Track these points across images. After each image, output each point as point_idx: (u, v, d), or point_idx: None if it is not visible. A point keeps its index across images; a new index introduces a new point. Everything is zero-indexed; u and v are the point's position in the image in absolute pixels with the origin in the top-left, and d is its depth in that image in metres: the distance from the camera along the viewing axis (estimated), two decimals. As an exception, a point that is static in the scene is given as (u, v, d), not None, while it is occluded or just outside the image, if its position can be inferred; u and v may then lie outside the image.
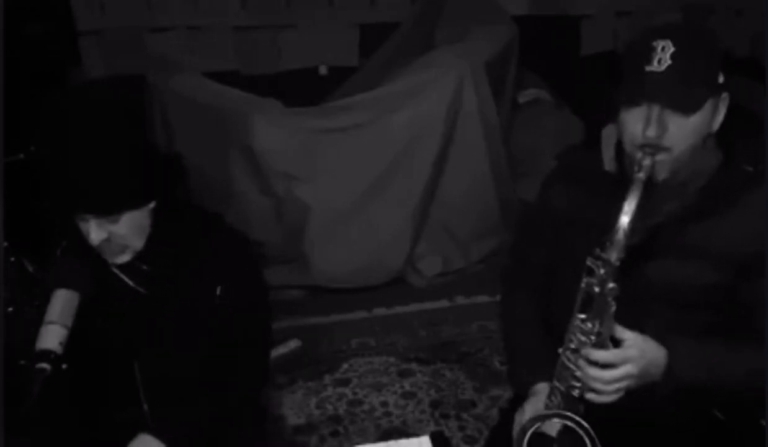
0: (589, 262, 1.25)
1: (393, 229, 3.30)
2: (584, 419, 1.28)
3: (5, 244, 1.95)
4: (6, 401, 1.36)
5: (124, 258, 1.48)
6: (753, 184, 1.31)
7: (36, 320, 1.36)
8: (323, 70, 4.24)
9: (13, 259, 2.21)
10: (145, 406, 1.55)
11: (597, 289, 1.24)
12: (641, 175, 1.23)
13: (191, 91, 3.49)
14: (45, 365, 1.30)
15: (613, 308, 1.24)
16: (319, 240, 3.26)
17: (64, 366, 1.33)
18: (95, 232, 1.41)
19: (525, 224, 1.68)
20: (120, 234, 1.43)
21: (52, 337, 1.33)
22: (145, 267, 1.51)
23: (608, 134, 1.42)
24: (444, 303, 3.22)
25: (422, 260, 3.40)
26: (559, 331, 1.33)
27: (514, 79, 3.88)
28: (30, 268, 2.17)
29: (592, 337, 1.25)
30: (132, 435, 1.51)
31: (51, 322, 1.35)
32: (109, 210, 1.41)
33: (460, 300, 3.24)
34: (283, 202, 3.26)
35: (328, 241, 3.25)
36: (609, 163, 1.41)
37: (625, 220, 1.21)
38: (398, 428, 2.49)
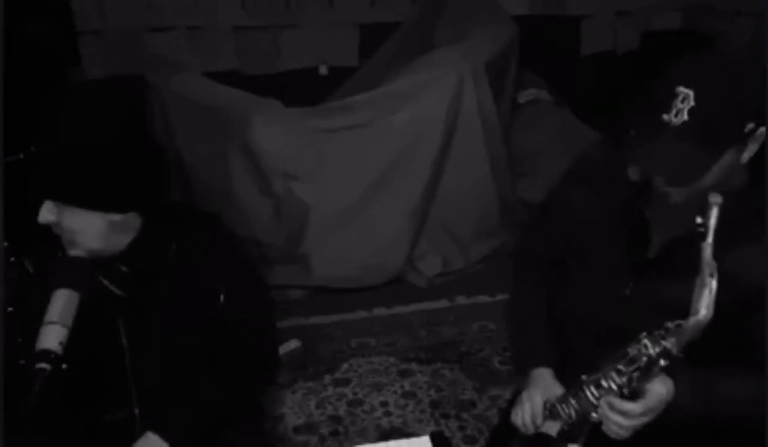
0: (644, 338, 1.21)
1: (393, 229, 3.30)
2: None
3: (5, 244, 1.94)
4: (6, 401, 1.36)
5: (76, 252, 1.44)
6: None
7: (36, 320, 1.36)
8: (323, 70, 4.24)
9: (13, 259, 2.21)
10: (137, 410, 1.54)
11: (645, 360, 1.22)
12: (709, 251, 1.12)
13: (191, 91, 3.49)
14: (45, 365, 1.30)
15: (657, 375, 1.23)
16: (319, 240, 3.25)
17: (64, 366, 1.33)
18: (44, 211, 1.40)
19: (538, 216, 1.66)
20: (67, 228, 1.42)
21: (52, 337, 1.33)
22: (124, 268, 1.48)
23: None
24: (444, 303, 3.22)
25: (422, 260, 3.40)
26: (569, 325, 1.34)
27: (514, 79, 3.88)
28: (30, 268, 2.17)
29: (624, 389, 1.25)
30: (124, 437, 1.50)
31: (51, 322, 1.35)
32: (56, 196, 1.39)
33: (460, 300, 3.23)
34: (283, 202, 3.26)
35: (328, 241, 3.25)
36: (634, 171, 1.31)
37: (705, 314, 1.12)
38: (398, 428, 2.49)
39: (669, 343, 1.18)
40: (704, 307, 1.11)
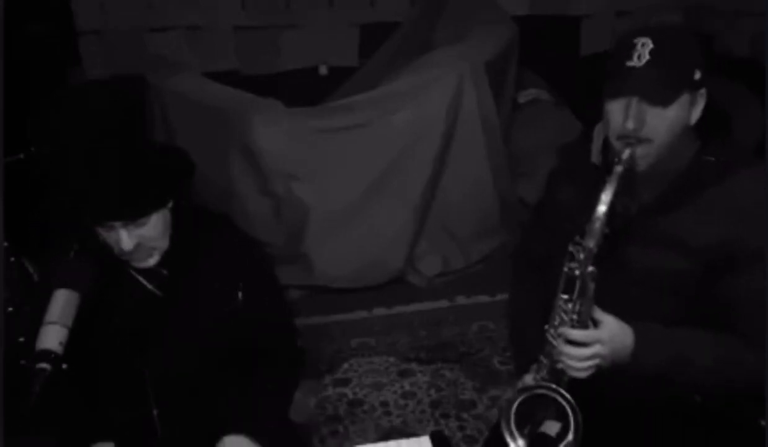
0: (570, 247, 1.34)
1: (393, 229, 3.31)
2: (567, 391, 1.33)
3: (5, 244, 1.95)
4: (6, 401, 1.36)
5: (153, 261, 1.49)
6: (716, 177, 1.35)
7: (36, 320, 1.36)
8: (323, 70, 4.25)
9: (13, 259, 2.21)
10: (155, 411, 1.55)
11: (577, 273, 1.32)
12: (619, 168, 1.31)
13: (191, 91, 3.50)
14: (45, 365, 1.30)
15: (592, 290, 1.32)
16: (319, 240, 3.26)
17: (64, 366, 1.33)
18: (127, 239, 1.41)
19: (532, 216, 1.76)
20: (149, 236, 1.44)
21: (52, 337, 1.33)
22: (164, 271, 1.51)
23: (599, 130, 1.49)
24: (444, 303, 3.22)
25: (422, 260, 3.40)
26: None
27: (514, 79, 3.88)
28: (30, 268, 2.17)
29: (573, 316, 1.34)
30: (139, 437, 1.51)
31: (51, 322, 1.35)
32: (139, 214, 1.41)
33: (460, 300, 3.24)
34: (283, 202, 3.26)
35: (328, 241, 3.26)
36: (596, 155, 1.48)
37: (601, 209, 1.29)
38: (398, 428, 2.49)
39: (587, 242, 1.30)
40: (603, 203, 1.29)
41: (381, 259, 3.30)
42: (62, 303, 1.37)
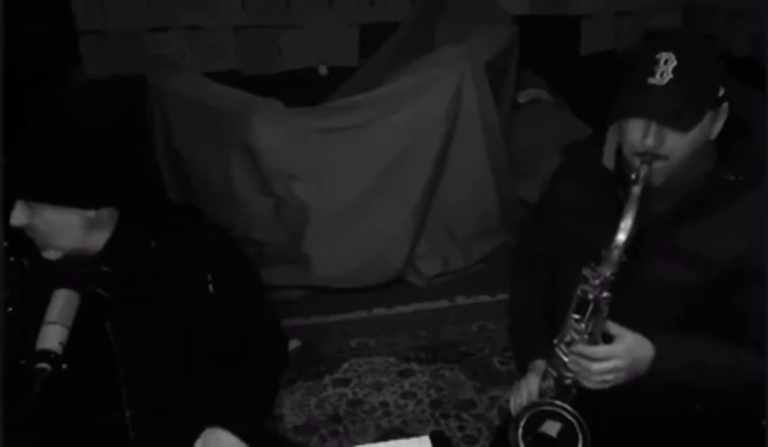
0: (584, 271, 1.30)
1: (393, 229, 3.30)
2: (573, 407, 1.33)
3: (5, 244, 1.94)
4: (6, 401, 1.36)
5: (51, 255, 1.42)
6: (733, 194, 1.33)
7: (36, 320, 1.36)
8: (323, 70, 4.24)
9: (13, 259, 2.20)
10: (128, 412, 1.51)
11: (591, 297, 1.29)
12: (637, 190, 1.26)
13: (191, 91, 3.49)
14: (45, 365, 1.30)
15: (606, 312, 1.29)
16: (319, 240, 3.26)
17: (64, 366, 1.33)
18: (16, 213, 1.37)
19: (533, 215, 1.72)
20: (40, 227, 1.38)
21: (52, 337, 1.33)
22: (105, 269, 1.44)
23: (613, 132, 1.44)
24: (444, 303, 3.22)
25: (422, 260, 3.40)
26: (561, 315, 1.36)
27: (514, 79, 3.88)
28: (30, 268, 2.17)
29: (585, 336, 1.31)
30: (114, 441, 1.49)
31: (51, 322, 1.34)
32: (30, 195, 1.36)
33: (460, 300, 3.23)
34: (283, 202, 3.26)
35: (328, 241, 3.25)
36: (609, 160, 1.44)
37: (621, 238, 1.26)
38: (398, 428, 2.49)
39: (603, 270, 1.27)
40: (623, 231, 1.25)
41: (381, 260, 3.30)
42: (62, 303, 1.37)
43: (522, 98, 4.13)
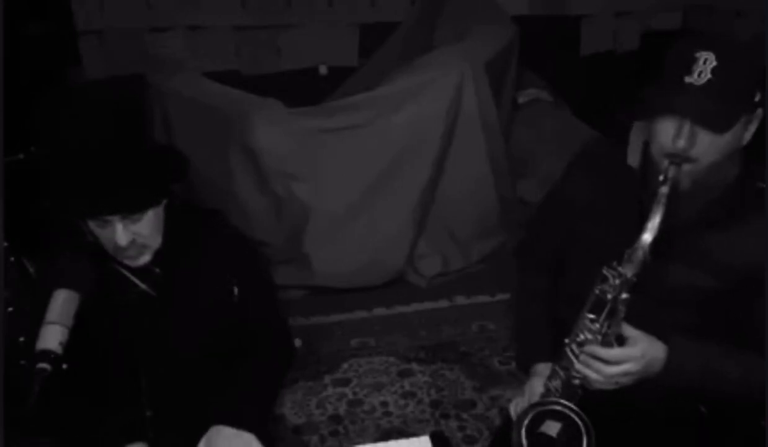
0: (605, 271, 1.28)
1: (393, 229, 3.31)
2: (579, 407, 1.32)
3: (5, 244, 1.95)
4: (6, 401, 1.36)
5: (145, 259, 1.48)
6: (761, 201, 1.31)
7: (36, 320, 1.36)
8: (323, 70, 4.25)
9: (13, 259, 2.21)
10: (149, 412, 1.54)
11: (609, 297, 1.27)
12: (665, 190, 1.23)
13: (191, 91, 3.49)
14: (45, 365, 1.30)
15: (623, 314, 1.28)
16: (319, 240, 3.26)
17: (64, 366, 1.33)
18: (122, 234, 1.41)
19: (542, 211, 1.70)
20: (143, 233, 1.45)
21: (52, 337, 1.33)
22: (157, 270, 1.51)
23: (637, 131, 1.42)
24: (444, 303, 3.22)
25: (422, 260, 3.40)
26: (569, 313, 1.35)
27: (514, 79, 3.88)
28: (30, 268, 2.17)
29: (599, 337, 1.30)
30: (133, 439, 1.50)
31: (51, 322, 1.34)
32: (136, 208, 1.42)
33: (460, 300, 3.23)
34: (283, 202, 3.26)
35: (328, 241, 3.25)
36: (633, 158, 1.41)
37: (647, 238, 1.23)
38: (398, 428, 2.49)
39: (625, 270, 1.25)
40: (649, 231, 1.23)
41: (381, 260, 3.30)
42: (62, 303, 1.37)
43: (522, 98, 4.13)
